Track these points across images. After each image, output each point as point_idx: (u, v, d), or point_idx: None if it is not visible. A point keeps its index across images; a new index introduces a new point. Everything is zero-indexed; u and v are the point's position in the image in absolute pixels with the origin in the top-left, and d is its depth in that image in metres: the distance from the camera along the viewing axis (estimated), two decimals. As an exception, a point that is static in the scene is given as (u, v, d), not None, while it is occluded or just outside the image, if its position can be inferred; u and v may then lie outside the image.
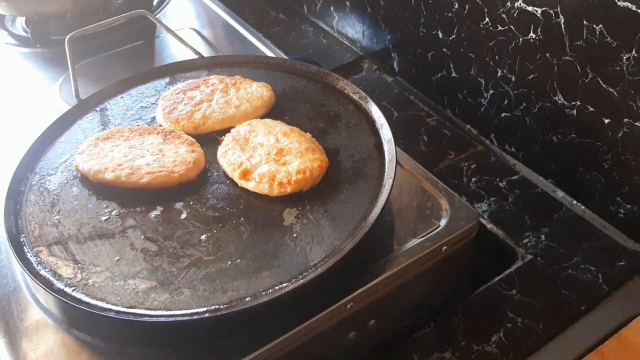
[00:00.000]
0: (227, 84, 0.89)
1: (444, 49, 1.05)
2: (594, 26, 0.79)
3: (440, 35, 1.05)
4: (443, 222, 0.74)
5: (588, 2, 0.79)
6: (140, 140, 0.82)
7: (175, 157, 0.78)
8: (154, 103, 0.91)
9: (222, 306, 0.63)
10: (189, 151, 0.79)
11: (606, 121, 0.83)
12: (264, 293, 0.64)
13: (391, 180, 0.73)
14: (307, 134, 0.81)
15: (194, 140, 0.82)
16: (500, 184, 0.97)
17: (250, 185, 0.75)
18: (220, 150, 0.80)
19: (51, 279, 0.67)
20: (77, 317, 0.68)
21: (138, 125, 0.87)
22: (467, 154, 1.03)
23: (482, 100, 1.03)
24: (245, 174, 0.76)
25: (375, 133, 0.82)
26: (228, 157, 0.78)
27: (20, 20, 1.29)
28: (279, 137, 0.79)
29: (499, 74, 0.97)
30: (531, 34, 0.88)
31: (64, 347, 0.66)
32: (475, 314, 0.79)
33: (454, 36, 1.02)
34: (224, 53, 1.13)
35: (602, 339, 0.76)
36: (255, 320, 0.65)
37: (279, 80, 0.93)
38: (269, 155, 0.77)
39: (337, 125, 0.84)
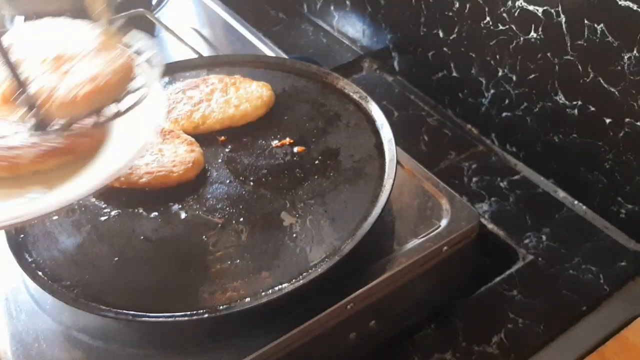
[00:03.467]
0: (227, 83, 0.89)
1: (445, 49, 1.05)
2: (595, 25, 0.79)
3: (441, 34, 1.04)
4: (444, 222, 0.74)
5: (589, 2, 0.78)
6: (139, 140, 0.81)
7: (175, 157, 0.78)
8: (154, 102, 0.91)
9: (222, 306, 0.63)
10: (188, 151, 0.79)
11: (607, 121, 0.83)
12: (263, 293, 0.64)
13: (391, 180, 0.73)
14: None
15: (193, 140, 0.82)
16: (501, 184, 0.97)
17: None
18: None
19: (50, 279, 0.67)
20: (77, 317, 0.68)
21: (137, 125, 0.87)
22: (468, 153, 1.02)
23: (483, 100, 1.02)
24: None
25: (376, 133, 0.82)
26: None
27: (20, 20, 1.28)
28: None
29: (499, 74, 0.96)
30: (532, 33, 0.88)
31: (64, 347, 0.66)
32: (476, 315, 0.79)
33: (454, 35, 1.02)
34: (223, 52, 1.13)
35: (603, 339, 0.76)
36: (255, 320, 0.65)
37: (278, 79, 0.93)
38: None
39: (337, 125, 0.84)
